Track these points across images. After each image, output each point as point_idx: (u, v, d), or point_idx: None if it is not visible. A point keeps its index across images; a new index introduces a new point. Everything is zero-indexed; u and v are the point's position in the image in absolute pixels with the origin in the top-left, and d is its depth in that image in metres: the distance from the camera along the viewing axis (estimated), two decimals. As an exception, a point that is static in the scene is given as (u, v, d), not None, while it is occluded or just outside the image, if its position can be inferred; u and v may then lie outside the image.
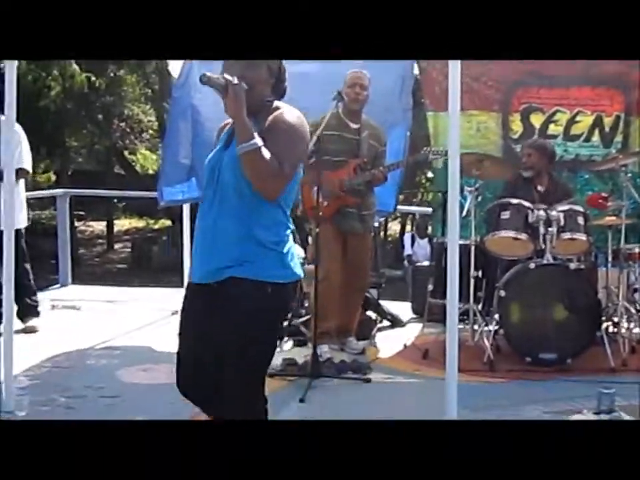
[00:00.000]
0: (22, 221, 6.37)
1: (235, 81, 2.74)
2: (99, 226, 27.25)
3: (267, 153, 2.71)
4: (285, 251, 2.86)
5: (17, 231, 6.00)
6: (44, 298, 7.12)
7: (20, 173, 6.02)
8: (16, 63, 4.12)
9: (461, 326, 5.09)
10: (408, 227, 21.79)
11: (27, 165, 6.30)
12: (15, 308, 6.13)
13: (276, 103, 2.92)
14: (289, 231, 2.92)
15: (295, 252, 2.96)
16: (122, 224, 28.32)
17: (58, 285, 8.58)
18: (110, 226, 25.68)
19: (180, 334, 3.03)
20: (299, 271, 2.92)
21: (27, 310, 6.35)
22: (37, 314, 6.48)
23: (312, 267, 5.25)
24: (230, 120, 2.89)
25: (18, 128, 6.06)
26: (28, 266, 6.41)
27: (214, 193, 2.86)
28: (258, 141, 2.70)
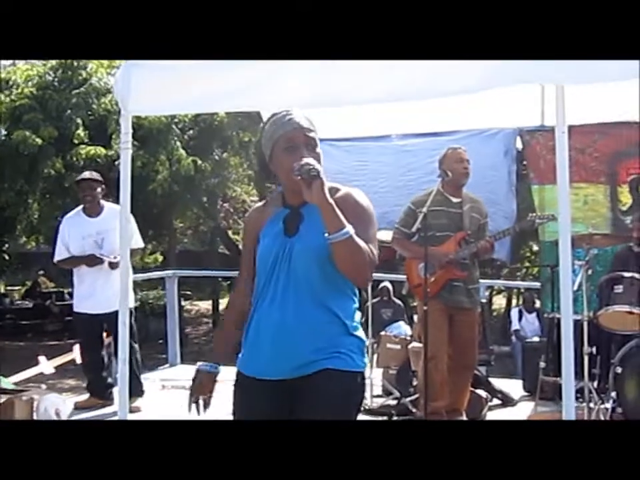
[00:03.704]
0: (131, 301, 6.52)
1: (320, 168, 2.61)
2: (205, 305, 27.72)
3: (359, 240, 2.58)
4: (362, 337, 2.80)
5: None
6: (154, 378, 7.23)
7: (137, 252, 6.50)
8: (130, 151, 4.26)
9: (576, 404, 4.93)
10: (513, 301, 21.43)
11: (140, 243, 6.55)
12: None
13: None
14: (359, 316, 2.84)
15: None
16: (227, 302, 28.73)
17: (167, 365, 8.68)
18: (215, 305, 26.07)
19: None
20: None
21: (133, 389, 6.46)
22: (141, 394, 6.56)
23: (419, 345, 5.19)
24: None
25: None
26: (136, 345, 6.55)
27: (284, 282, 2.70)
28: (350, 228, 2.56)
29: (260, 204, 3.02)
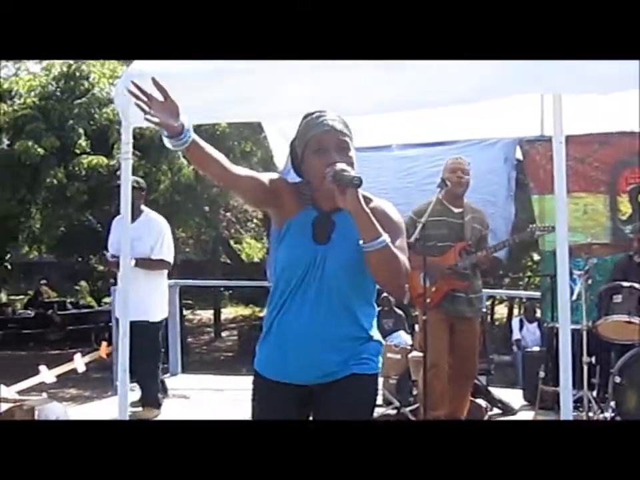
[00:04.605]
0: (162, 313, 6.62)
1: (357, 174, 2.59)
2: (207, 314, 27.69)
3: (394, 248, 2.60)
4: (381, 340, 2.86)
5: (156, 322, 6.38)
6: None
7: (159, 264, 6.44)
8: (131, 161, 4.28)
9: (576, 413, 4.94)
10: (515, 311, 21.40)
11: (167, 256, 6.53)
12: (139, 394, 6.47)
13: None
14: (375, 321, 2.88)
15: None
16: (229, 312, 28.71)
17: (168, 375, 8.64)
18: (217, 314, 26.03)
19: None
20: None
21: (152, 400, 6.51)
22: (158, 405, 6.56)
23: (420, 354, 5.20)
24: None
25: (162, 221, 6.59)
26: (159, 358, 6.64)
27: (316, 290, 2.69)
28: (386, 237, 2.56)
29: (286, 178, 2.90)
